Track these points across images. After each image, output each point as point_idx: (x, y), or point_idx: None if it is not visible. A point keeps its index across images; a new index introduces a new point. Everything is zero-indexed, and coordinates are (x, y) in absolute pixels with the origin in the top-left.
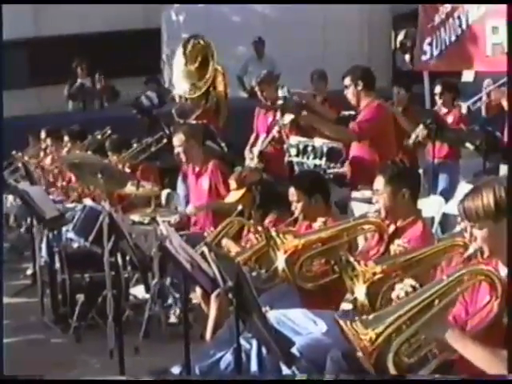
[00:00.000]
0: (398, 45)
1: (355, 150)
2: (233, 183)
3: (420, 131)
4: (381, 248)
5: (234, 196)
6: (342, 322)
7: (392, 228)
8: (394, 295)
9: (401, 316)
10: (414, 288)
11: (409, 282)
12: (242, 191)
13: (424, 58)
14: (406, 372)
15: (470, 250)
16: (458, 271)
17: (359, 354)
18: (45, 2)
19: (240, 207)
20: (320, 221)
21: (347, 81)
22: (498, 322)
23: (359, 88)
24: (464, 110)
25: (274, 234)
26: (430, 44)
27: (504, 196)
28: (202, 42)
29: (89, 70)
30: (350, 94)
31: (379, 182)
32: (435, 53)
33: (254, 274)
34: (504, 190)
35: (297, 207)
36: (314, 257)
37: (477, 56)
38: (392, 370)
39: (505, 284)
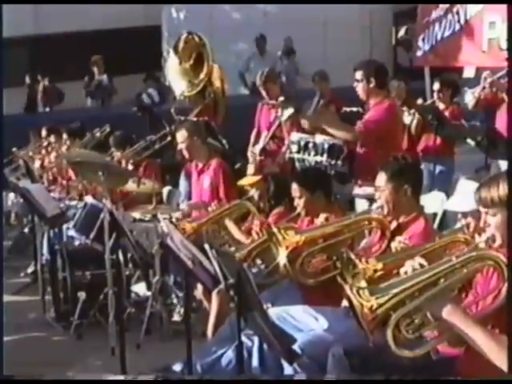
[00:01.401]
0: (398, 41)
1: (360, 148)
2: (251, 168)
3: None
4: (383, 244)
5: (248, 180)
6: (347, 287)
7: (394, 224)
8: (402, 270)
9: (405, 290)
10: (422, 266)
11: (418, 259)
12: (257, 178)
13: (419, 53)
14: (403, 347)
15: (482, 237)
16: (466, 253)
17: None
18: (45, 2)
19: (252, 193)
20: (322, 217)
21: (359, 75)
22: (503, 308)
23: (371, 85)
24: (467, 100)
25: (275, 230)
26: (423, 39)
27: None
28: (195, 38)
29: (105, 67)
30: (360, 89)
31: (381, 178)
32: (426, 47)
33: (254, 270)
34: None
35: (299, 203)
36: (316, 253)
37: (472, 51)
38: (391, 343)
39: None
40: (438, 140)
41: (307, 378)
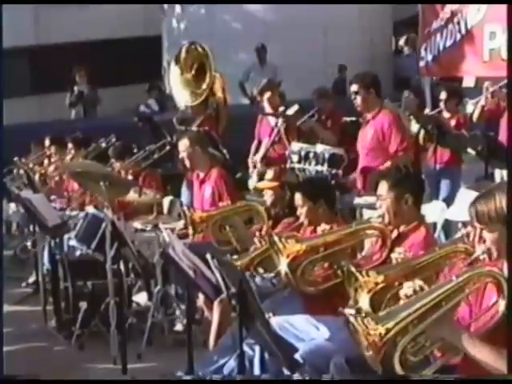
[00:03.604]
0: (398, 50)
1: (366, 159)
2: (270, 173)
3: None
4: (384, 253)
5: (265, 184)
6: (352, 318)
7: (395, 233)
8: (402, 293)
9: (410, 314)
10: (422, 289)
11: (418, 282)
12: (274, 184)
13: (422, 63)
14: (410, 371)
15: (478, 252)
16: (466, 272)
17: (367, 353)
18: (46, 2)
19: (265, 197)
20: (323, 226)
21: (355, 87)
22: (504, 323)
23: (371, 96)
24: (469, 110)
25: (276, 238)
26: (426, 49)
27: None
28: (198, 48)
29: (88, 78)
30: (359, 101)
31: (382, 187)
32: (429, 58)
33: (257, 279)
34: None
35: (302, 212)
36: (317, 261)
37: (474, 61)
38: (398, 369)
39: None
40: (446, 150)
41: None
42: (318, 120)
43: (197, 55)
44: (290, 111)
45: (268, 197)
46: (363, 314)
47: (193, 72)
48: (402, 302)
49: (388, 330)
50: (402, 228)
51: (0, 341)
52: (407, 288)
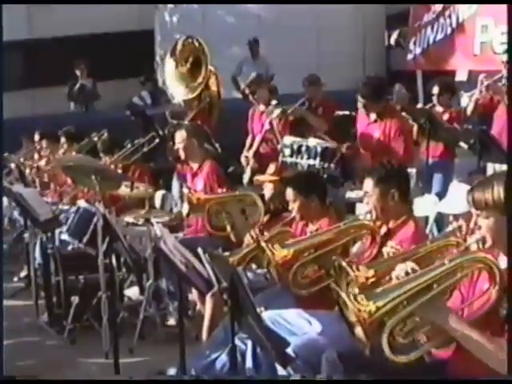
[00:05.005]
0: (391, 44)
1: (368, 156)
2: (272, 167)
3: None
4: (374, 250)
5: (265, 177)
6: (344, 295)
7: (384, 229)
8: (394, 275)
9: (401, 294)
10: (414, 271)
11: (410, 264)
12: (274, 178)
13: (410, 56)
14: (398, 353)
15: (472, 239)
16: (460, 257)
17: (356, 330)
18: (40, 2)
19: (264, 191)
20: (311, 227)
21: (361, 100)
22: (495, 311)
23: (376, 102)
24: (464, 103)
25: (264, 245)
26: (415, 43)
27: None
28: (195, 43)
29: (89, 71)
30: (364, 107)
31: (368, 184)
32: (418, 51)
33: (250, 274)
34: None
35: (293, 207)
36: (308, 264)
37: (465, 54)
38: (387, 350)
39: (504, 274)
40: (439, 144)
41: (305, 378)
42: (308, 108)
43: (193, 49)
44: (274, 115)
45: (268, 190)
46: (355, 291)
47: (188, 66)
48: (393, 283)
49: (378, 308)
50: (391, 224)
51: (0, 341)
52: (399, 270)
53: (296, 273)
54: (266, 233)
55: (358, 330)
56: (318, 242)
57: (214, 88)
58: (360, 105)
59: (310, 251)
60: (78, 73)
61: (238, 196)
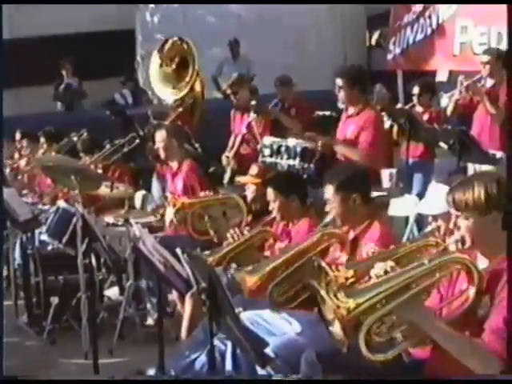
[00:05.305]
0: (372, 44)
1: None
2: (254, 169)
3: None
4: (343, 257)
5: (247, 179)
6: (323, 292)
7: (352, 235)
8: (372, 273)
9: (380, 293)
10: (393, 269)
11: (390, 262)
12: (257, 180)
13: (389, 56)
14: (375, 351)
15: (452, 240)
16: (439, 257)
17: (334, 327)
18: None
19: (246, 192)
20: (279, 245)
21: (340, 82)
22: (473, 311)
23: (354, 92)
24: (444, 103)
25: (232, 271)
26: (394, 43)
27: (495, 191)
28: (184, 45)
29: (74, 70)
30: (343, 96)
31: (329, 190)
32: (397, 51)
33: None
34: (495, 185)
35: (274, 207)
36: (282, 282)
37: (444, 55)
38: (363, 348)
39: (482, 275)
40: (419, 144)
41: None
42: (281, 109)
43: (181, 50)
44: (250, 118)
45: (250, 192)
46: (335, 288)
47: (173, 66)
48: (372, 281)
49: (358, 305)
50: (357, 229)
51: (0, 341)
52: (379, 269)
53: (272, 292)
54: (245, 232)
55: (336, 328)
56: (287, 259)
57: (198, 89)
58: (339, 95)
59: (282, 269)
60: (63, 72)
61: (221, 199)
